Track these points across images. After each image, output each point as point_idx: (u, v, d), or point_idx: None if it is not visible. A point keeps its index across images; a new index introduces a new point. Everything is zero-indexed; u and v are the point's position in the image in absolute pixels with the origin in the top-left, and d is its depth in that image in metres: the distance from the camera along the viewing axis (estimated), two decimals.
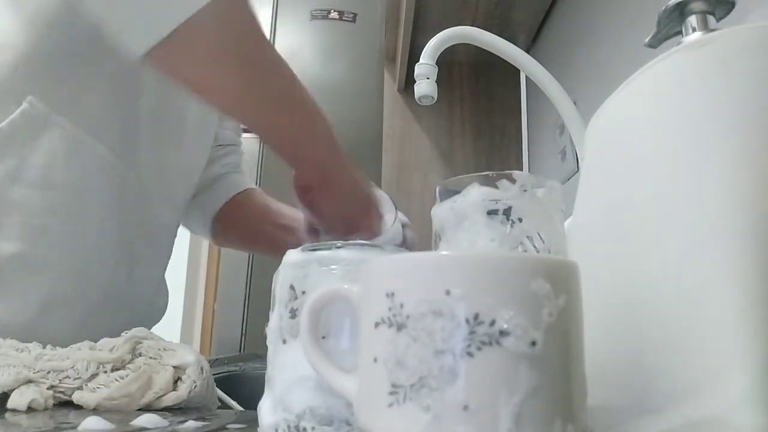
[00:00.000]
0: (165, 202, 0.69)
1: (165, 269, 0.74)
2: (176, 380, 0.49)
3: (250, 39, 0.51)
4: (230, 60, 0.50)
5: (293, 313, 0.33)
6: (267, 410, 0.32)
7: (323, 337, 0.31)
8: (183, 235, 0.80)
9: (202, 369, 0.51)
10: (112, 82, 0.61)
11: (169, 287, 0.75)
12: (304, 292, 0.33)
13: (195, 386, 0.50)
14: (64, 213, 0.57)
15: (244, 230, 0.84)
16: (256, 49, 0.51)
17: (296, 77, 0.55)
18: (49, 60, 0.56)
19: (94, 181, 0.59)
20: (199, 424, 0.38)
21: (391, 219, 0.62)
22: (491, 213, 0.33)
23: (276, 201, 0.84)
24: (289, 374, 0.32)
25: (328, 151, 0.57)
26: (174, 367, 0.49)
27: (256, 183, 1.48)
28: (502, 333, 0.22)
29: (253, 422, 0.34)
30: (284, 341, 0.33)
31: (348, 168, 0.59)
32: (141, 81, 0.63)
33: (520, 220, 0.33)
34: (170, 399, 0.47)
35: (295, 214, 0.76)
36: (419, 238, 0.69)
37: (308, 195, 0.60)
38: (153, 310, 0.71)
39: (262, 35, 0.52)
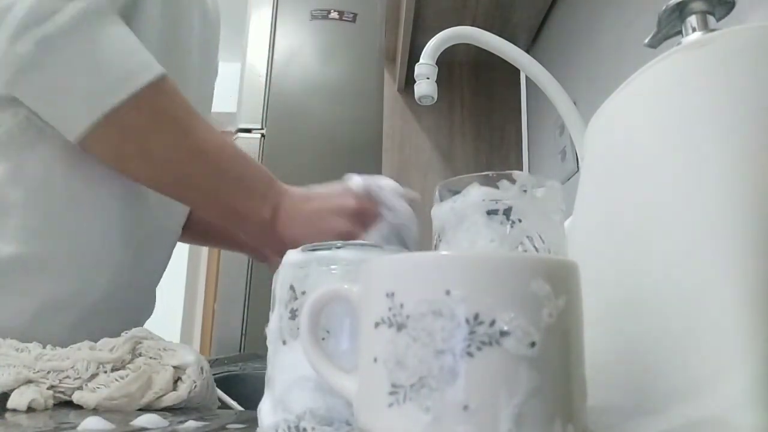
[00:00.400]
0: (165, 206, 0.69)
1: (161, 277, 0.73)
2: (176, 380, 0.49)
3: (170, 135, 0.54)
4: (144, 158, 0.54)
5: (293, 314, 0.33)
6: (267, 411, 0.32)
7: (323, 339, 0.31)
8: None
9: (202, 369, 0.51)
10: None
11: (169, 287, 0.75)
12: (304, 293, 0.33)
13: (195, 386, 0.50)
14: (63, 215, 0.57)
15: (206, 230, 0.85)
16: (177, 143, 0.54)
17: (227, 151, 0.57)
18: None
19: (94, 184, 0.59)
20: (199, 424, 0.38)
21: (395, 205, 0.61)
22: (491, 213, 0.33)
23: None
24: (289, 375, 0.32)
25: (272, 213, 0.58)
26: (174, 367, 0.49)
27: None
28: (502, 333, 0.22)
29: (253, 422, 0.34)
30: (284, 342, 0.33)
31: (298, 206, 0.59)
32: None
33: (520, 220, 0.33)
34: (170, 399, 0.47)
35: None
36: (419, 237, 0.69)
37: (270, 260, 0.63)
38: (145, 315, 0.71)
39: (185, 123, 0.54)
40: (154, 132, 0.53)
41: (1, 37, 0.47)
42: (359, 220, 0.58)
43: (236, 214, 0.58)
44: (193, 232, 0.83)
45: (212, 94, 0.82)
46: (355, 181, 0.61)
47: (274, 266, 0.70)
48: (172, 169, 0.55)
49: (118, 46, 0.51)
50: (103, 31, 0.50)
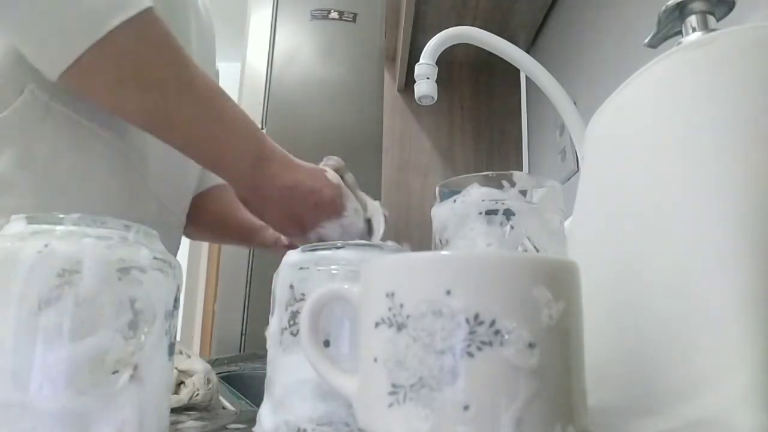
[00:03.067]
0: (173, 193, 0.69)
1: None
2: (179, 383, 0.50)
3: (163, 62, 0.53)
4: (139, 84, 0.52)
5: (293, 316, 0.33)
6: (267, 414, 0.32)
7: (326, 342, 0.31)
8: (183, 237, 0.79)
9: (208, 380, 0.52)
10: None
11: None
12: (303, 294, 0.33)
13: (197, 394, 0.50)
14: (70, 198, 0.57)
15: (218, 220, 0.84)
16: (168, 72, 0.53)
17: (216, 94, 0.56)
18: None
19: (101, 164, 0.59)
20: (199, 424, 0.38)
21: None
22: (491, 213, 0.33)
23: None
24: (289, 377, 0.32)
25: (253, 162, 0.58)
26: (180, 371, 0.49)
27: None
28: (502, 333, 0.22)
29: (253, 422, 0.34)
30: (284, 346, 0.33)
31: (282, 172, 0.59)
32: None
33: (520, 220, 0.33)
34: (171, 401, 0.47)
35: None
36: (418, 238, 0.69)
37: (247, 205, 0.62)
38: None
39: (176, 55, 0.54)
40: (150, 57, 0.52)
41: None
42: (325, 211, 0.60)
43: (219, 155, 0.57)
44: (204, 223, 0.82)
45: None
46: (331, 174, 0.62)
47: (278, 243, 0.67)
48: (163, 99, 0.53)
49: None
50: None
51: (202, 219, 0.82)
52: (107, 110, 0.56)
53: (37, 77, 0.54)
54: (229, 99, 0.58)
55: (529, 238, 0.33)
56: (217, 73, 0.83)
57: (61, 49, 0.48)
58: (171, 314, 0.31)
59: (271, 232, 0.77)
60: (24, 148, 0.54)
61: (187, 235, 0.85)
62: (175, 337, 0.32)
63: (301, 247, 0.35)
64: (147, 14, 0.51)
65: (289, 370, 0.32)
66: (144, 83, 0.52)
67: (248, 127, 0.59)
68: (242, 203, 0.62)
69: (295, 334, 0.32)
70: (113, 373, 0.27)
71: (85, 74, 0.50)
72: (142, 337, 0.28)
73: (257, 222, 0.77)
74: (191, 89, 0.55)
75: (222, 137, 0.56)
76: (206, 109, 0.55)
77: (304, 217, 0.59)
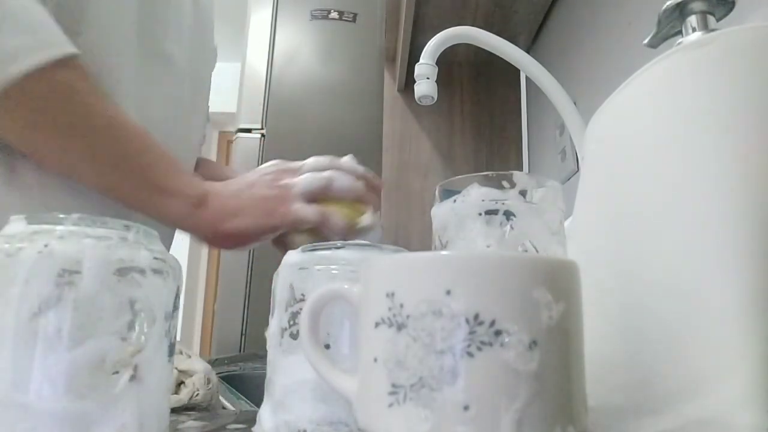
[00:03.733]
0: None
1: None
2: (180, 383, 0.50)
3: (78, 107, 0.52)
4: (51, 126, 0.51)
5: (293, 316, 0.33)
6: (267, 415, 0.32)
7: (326, 346, 0.31)
8: (183, 237, 0.79)
9: (208, 380, 0.52)
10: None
11: None
12: (303, 294, 0.33)
13: (197, 394, 0.50)
14: (68, 207, 0.57)
15: None
16: (84, 117, 0.52)
17: (143, 137, 0.55)
18: None
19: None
20: (199, 424, 0.38)
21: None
22: (491, 213, 0.33)
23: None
24: (289, 378, 0.32)
25: (186, 201, 0.56)
26: (180, 371, 0.49)
27: None
28: (503, 333, 0.22)
29: (253, 422, 0.34)
30: (284, 346, 0.33)
31: (225, 187, 0.58)
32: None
33: (520, 220, 0.33)
34: (171, 401, 0.47)
35: None
36: (418, 238, 0.69)
37: (208, 241, 0.59)
38: None
39: (98, 101, 0.53)
40: (63, 103, 0.51)
41: None
42: (281, 179, 0.58)
43: (152, 191, 0.55)
44: None
45: (209, 77, 0.80)
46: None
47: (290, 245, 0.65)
48: (77, 145, 0.52)
49: (29, 18, 0.49)
50: (13, 1, 0.49)
51: None
52: (21, 150, 0.55)
53: None
54: (147, 140, 0.56)
55: (529, 238, 0.33)
56: (214, 50, 0.81)
57: None
58: (171, 315, 0.31)
59: None
60: (10, 170, 0.54)
61: None
62: (175, 338, 0.32)
63: (301, 247, 0.35)
64: (65, 61, 0.50)
65: (289, 371, 0.32)
66: (62, 123, 0.51)
67: (177, 168, 0.57)
68: (206, 242, 0.59)
69: (295, 335, 0.32)
70: (113, 374, 0.27)
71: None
72: (142, 337, 0.28)
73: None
74: (111, 131, 0.53)
75: (142, 184, 0.55)
76: (123, 155, 0.54)
77: (265, 226, 0.57)
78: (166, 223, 0.58)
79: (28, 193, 0.55)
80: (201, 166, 0.81)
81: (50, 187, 0.56)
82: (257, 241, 0.58)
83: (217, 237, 0.57)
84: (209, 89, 0.81)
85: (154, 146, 0.55)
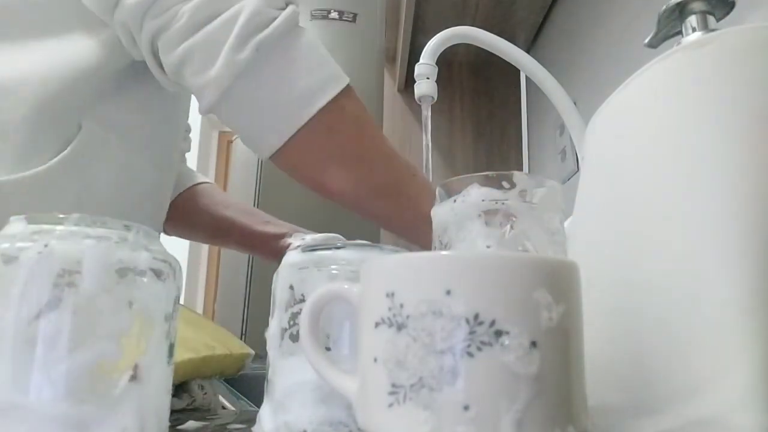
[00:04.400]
0: (162, 206, 0.69)
1: None
2: (179, 384, 0.50)
3: (366, 137, 0.55)
4: (348, 157, 0.54)
5: (293, 317, 0.33)
6: (267, 416, 0.32)
7: (328, 349, 0.31)
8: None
9: (201, 387, 0.52)
10: (165, 98, 0.61)
11: None
12: (303, 295, 0.33)
13: (193, 401, 0.51)
14: None
15: (201, 219, 0.82)
16: (371, 147, 0.55)
17: (409, 165, 0.58)
18: (108, 84, 0.55)
19: (145, 202, 0.60)
20: (199, 424, 0.38)
21: None
22: (491, 213, 0.33)
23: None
24: (289, 379, 0.32)
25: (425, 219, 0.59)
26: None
27: (256, 184, 1.48)
28: (503, 333, 0.22)
29: (253, 422, 0.34)
30: (284, 348, 0.33)
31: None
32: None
33: (520, 220, 0.33)
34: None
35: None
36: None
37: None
38: None
39: (377, 132, 0.56)
40: (355, 132, 0.54)
41: (226, 45, 0.47)
42: None
43: (423, 220, 0.58)
44: (194, 219, 0.81)
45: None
46: None
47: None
48: (367, 174, 0.55)
49: (319, 51, 0.52)
50: (306, 37, 0.52)
51: (186, 215, 0.81)
52: (313, 185, 0.57)
53: (92, 108, 0.54)
54: (419, 171, 0.60)
55: (528, 239, 0.33)
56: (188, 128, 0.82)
57: (274, 131, 0.50)
58: (171, 316, 0.31)
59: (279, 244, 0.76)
60: (82, 189, 0.53)
61: (167, 231, 0.84)
62: (175, 339, 0.32)
63: (301, 247, 0.35)
64: (348, 90, 0.53)
65: (290, 372, 0.32)
66: (350, 161, 0.54)
67: (426, 180, 0.60)
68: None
69: (295, 335, 0.32)
70: (113, 376, 0.27)
71: (297, 151, 0.52)
72: (142, 339, 0.28)
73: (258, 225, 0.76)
74: (392, 157, 0.57)
75: (423, 199, 0.56)
76: (405, 176, 0.57)
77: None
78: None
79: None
80: (204, 195, 0.81)
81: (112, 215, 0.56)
82: None
83: None
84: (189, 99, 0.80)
85: (420, 175, 0.59)
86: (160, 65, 0.51)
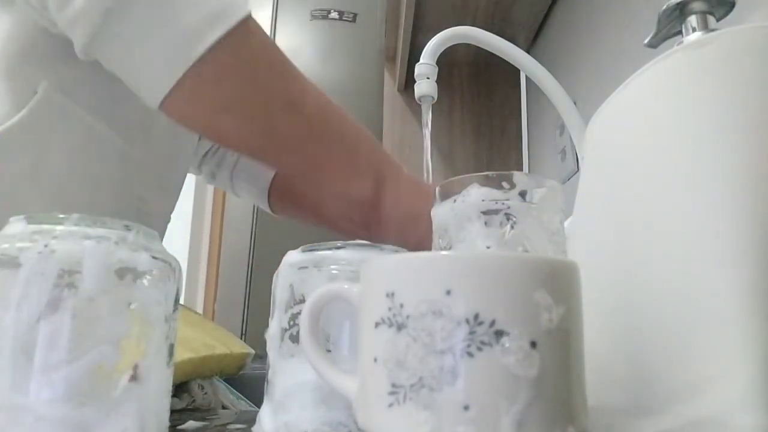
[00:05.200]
0: (164, 190, 0.67)
1: None
2: (179, 384, 0.50)
3: (267, 78, 0.48)
4: (243, 106, 0.47)
5: (293, 318, 0.33)
6: (267, 417, 0.32)
7: (328, 351, 0.31)
8: (183, 237, 0.79)
9: (201, 387, 0.52)
10: None
11: None
12: (303, 296, 0.33)
13: (193, 401, 0.51)
14: (81, 208, 0.56)
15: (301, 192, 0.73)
16: (274, 89, 0.48)
17: (329, 110, 0.51)
18: (63, 46, 0.50)
19: (112, 173, 0.55)
20: (199, 424, 0.38)
21: None
22: (491, 213, 0.33)
23: None
24: (289, 380, 0.32)
25: (373, 185, 0.52)
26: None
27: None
28: (503, 334, 0.22)
29: (253, 422, 0.34)
30: (284, 349, 0.33)
31: (407, 197, 0.54)
32: None
33: (520, 220, 0.33)
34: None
35: None
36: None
37: (364, 228, 0.55)
38: None
39: (282, 68, 0.49)
40: (250, 77, 0.47)
41: None
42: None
43: (335, 178, 0.51)
44: (283, 199, 0.73)
45: None
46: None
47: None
48: (266, 123, 0.48)
49: None
50: None
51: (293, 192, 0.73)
52: (210, 137, 0.51)
53: (50, 74, 0.50)
54: (344, 114, 0.52)
55: (528, 239, 0.33)
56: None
57: (159, 76, 0.44)
58: (171, 316, 0.31)
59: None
60: (37, 157, 0.49)
61: (276, 210, 0.76)
62: (175, 339, 0.32)
63: (301, 247, 0.35)
64: (246, 24, 0.45)
65: (290, 373, 0.32)
66: (246, 108, 0.47)
67: (368, 144, 0.54)
68: (359, 225, 0.56)
69: (295, 336, 0.32)
70: (113, 376, 0.27)
71: (186, 100, 0.46)
72: (142, 340, 0.28)
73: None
74: (302, 107, 0.49)
75: (338, 158, 0.51)
76: (318, 129, 0.50)
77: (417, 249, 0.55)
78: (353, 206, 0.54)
79: (53, 188, 0.51)
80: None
81: (72, 187, 0.52)
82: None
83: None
84: None
85: (336, 125, 0.52)
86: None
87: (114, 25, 0.43)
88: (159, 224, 0.70)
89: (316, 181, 0.53)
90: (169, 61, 0.44)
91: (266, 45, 0.48)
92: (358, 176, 0.52)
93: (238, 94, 0.47)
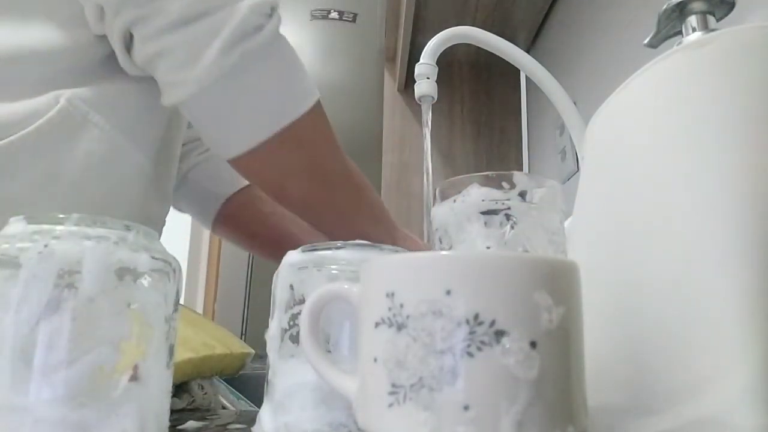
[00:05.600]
0: (164, 200, 0.68)
1: None
2: (179, 384, 0.50)
3: (327, 155, 0.56)
4: (310, 173, 0.55)
5: (293, 318, 0.33)
6: (267, 417, 0.32)
7: (329, 351, 0.31)
8: (183, 236, 0.79)
9: (201, 387, 0.52)
10: (153, 86, 0.58)
11: None
12: (303, 296, 0.33)
13: (193, 401, 0.51)
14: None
15: (255, 220, 0.80)
16: (331, 165, 0.56)
17: (366, 185, 0.60)
18: (88, 58, 0.53)
19: (128, 188, 0.57)
20: (199, 424, 0.38)
21: None
22: (490, 213, 0.33)
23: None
24: (289, 380, 0.32)
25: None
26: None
27: None
28: (502, 334, 0.22)
29: (253, 422, 0.34)
30: (284, 349, 0.33)
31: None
32: None
33: (520, 220, 0.33)
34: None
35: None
36: (419, 238, 0.69)
37: None
38: None
39: (338, 152, 0.57)
40: (323, 146, 0.55)
41: (214, 46, 0.47)
42: None
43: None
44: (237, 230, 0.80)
45: None
46: None
47: None
48: (328, 187, 0.56)
49: (296, 64, 0.52)
50: (287, 48, 0.52)
51: (239, 214, 0.79)
52: (270, 193, 0.58)
53: (74, 84, 0.52)
54: (373, 190, 0.61)
55: (528, 239, 0.33)
56: None
57: (240, 136, 0.50)
58: (171, 317, 0.31)
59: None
60: (51, 167, 0.50)
61: (217, 232, 0.82)
62: (175, 340, 0.32)
63: (301, 247, 0.35)
64: (318, 106, 0.53)
65: (290, 373, 0.32)
66: (314, 173, 0.55)
67: (386, 217, 0.63)
68: None
69: (295, 336, 0.32)
70: (113, 377, 0.27)
71: (261, 161, 0.52)
72: (142, 340, 0.28)
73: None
74: (352, 173, 0.58)
75: (365, 227, 0.59)
76: (359, 201, 0.59)
77: None
78: None
79: (66, 200, 0.52)
80: (267, 203, 0.78)
81: (86, 200, 0.53)
82: None
83: None
84: None
85: (371, 193, 0.61)
86: (127, 49, 0.50)
87: (219, 91, 0.48)
88: (156, 229, 0.70)
89: (333, 236, 0.60)
90: (254, 126, 0.50)
91: (328, 122, 0.56)
92: (380, 235, 0.61)
93: (312, 160, 0.55)
